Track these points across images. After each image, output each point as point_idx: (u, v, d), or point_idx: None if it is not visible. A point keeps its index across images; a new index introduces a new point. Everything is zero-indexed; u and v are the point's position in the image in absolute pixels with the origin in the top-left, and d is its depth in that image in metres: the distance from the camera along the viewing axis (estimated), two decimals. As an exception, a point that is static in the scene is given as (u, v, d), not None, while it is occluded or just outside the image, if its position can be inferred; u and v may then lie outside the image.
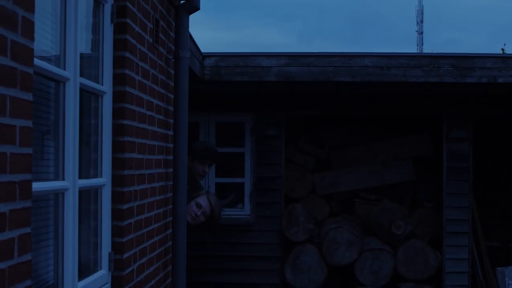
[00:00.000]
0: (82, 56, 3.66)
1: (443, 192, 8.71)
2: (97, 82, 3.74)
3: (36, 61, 2.83)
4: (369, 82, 7.48)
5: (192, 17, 5.32)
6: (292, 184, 9.19)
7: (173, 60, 5.12)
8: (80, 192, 3.60)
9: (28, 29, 2.40)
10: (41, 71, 2.92)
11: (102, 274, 3.71)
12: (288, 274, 8.42)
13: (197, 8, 5.19)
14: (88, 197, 3.71)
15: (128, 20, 3.92)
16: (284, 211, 8.65)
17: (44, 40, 3.10)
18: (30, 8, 2.40)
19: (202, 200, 5.09)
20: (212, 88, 8.15)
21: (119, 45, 3.89)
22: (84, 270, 3.60)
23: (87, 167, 3.70)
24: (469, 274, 8.68)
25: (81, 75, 3.53)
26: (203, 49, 7.47)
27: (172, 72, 5.17)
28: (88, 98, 3.72)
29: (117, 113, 3.87)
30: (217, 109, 8.79)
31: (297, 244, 8.53)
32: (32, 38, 2.43)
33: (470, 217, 8.69)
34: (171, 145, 5.14)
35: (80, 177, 3.60)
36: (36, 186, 2.94)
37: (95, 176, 3.73)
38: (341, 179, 9.33)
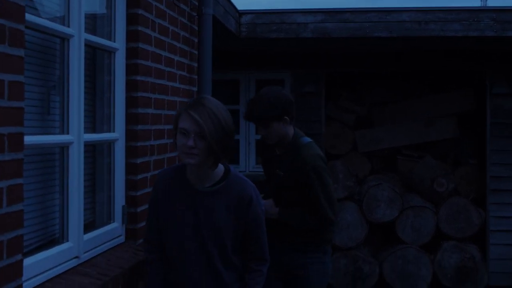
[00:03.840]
0: (94, 15, 3.73)
1: (487, 149, 8.55)
2: (109, 39, 3.79)
3: (42, 20, 2.96)
4: (407, 37, 7.35)
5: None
6: (332, 141, 9.15)
7: (197, 17, 5.13)
8: (93, 146, 3.70)
9: (19, -13, 2.46)
10: (46, 29, 3.02)
11: (115, 226, 3.79)
12: (327, 230, 8.41)
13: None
14: (101, 151, 3.80)
15: (142, -22, 3.95)
16: (324, 168, 8.61)
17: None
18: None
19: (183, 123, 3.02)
20: (249, 46, 8.15)
21: (131, 2, 3.93)
22: (96, 222, 3.71)
23: (100, 122, 3.78)
24: (514, 232, 8.55)
25: (93, 33, 3.60)
26: (241, 6, 7.45)
27: (196, 28, 5.18)
28: (101, 55, 3.79)
29: (131, 69, 3.92)
30: (257, 66, 8.81)
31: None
32: (22, -4, 2.49)
33: (515, 174, 8.52)
34: (196, 101, 5.15)
35: (93, 132, 3.70)
36: (42, 139, 3.06)
37: (108, 131, 3.80)
38: (382, 136, 9.24)
